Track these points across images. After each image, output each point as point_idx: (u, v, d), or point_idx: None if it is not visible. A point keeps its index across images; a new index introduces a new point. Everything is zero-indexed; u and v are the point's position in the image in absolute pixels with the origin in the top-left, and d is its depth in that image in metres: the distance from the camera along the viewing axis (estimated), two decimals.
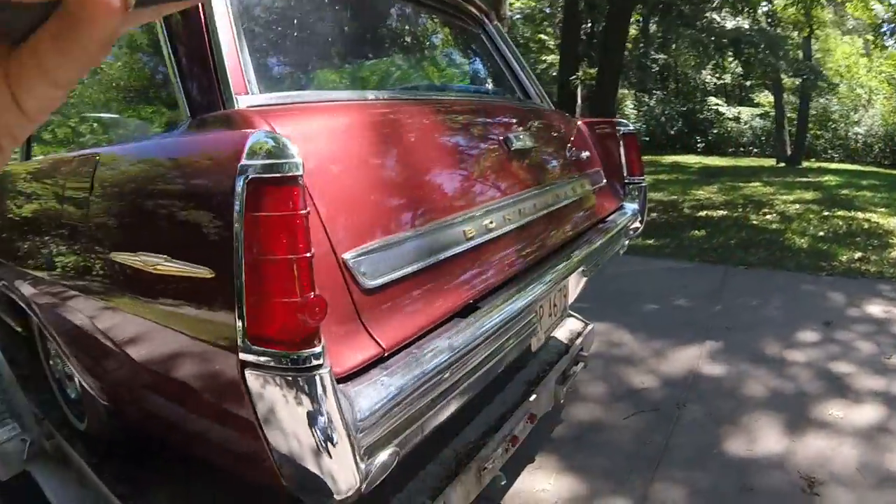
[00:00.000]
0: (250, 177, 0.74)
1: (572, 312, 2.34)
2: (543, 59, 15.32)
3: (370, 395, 0.86)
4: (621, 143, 2.15)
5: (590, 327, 2.31)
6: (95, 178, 1.12)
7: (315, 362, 0.74)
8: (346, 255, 0.93)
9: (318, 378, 0.75)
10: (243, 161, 0.74)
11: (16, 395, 1.75)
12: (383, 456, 0.87)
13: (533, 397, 1.79)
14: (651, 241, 5.24)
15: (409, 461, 1.37)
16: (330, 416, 0.76)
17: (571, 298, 1.69)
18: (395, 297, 1.02)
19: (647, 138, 16.20)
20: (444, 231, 1.16)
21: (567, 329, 2.27)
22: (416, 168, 1.20)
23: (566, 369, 2.04)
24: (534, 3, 15.61)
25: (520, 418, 1.71)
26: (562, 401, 2.04)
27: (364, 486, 0.83)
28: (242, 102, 1.03)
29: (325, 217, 0.92)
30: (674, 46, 12.60)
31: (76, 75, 0.21)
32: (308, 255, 0.75)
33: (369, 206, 1.04)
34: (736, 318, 3.32)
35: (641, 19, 12.65)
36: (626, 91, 16.01)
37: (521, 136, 1.61)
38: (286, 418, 0.75)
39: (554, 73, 12.20)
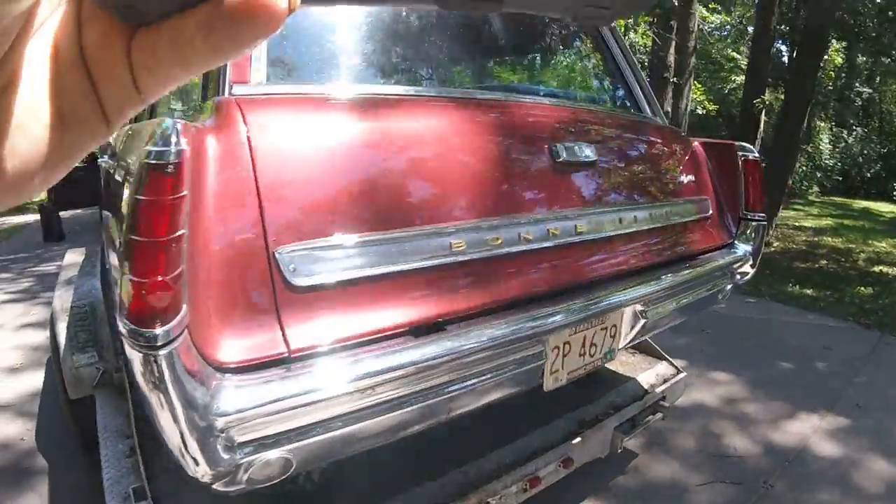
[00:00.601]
0: (141, 161, 0.77)
1: (666, 356, 2.16)
2: (733, 79, 14.13)
3: (251, 391, 0.83)
4: (742, 170, 1.87)
5: (680, 376, 2.08)
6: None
7: (158, 343, 0.75)
8: (279, 250, 0.91)
9: (157, 358, 0.76)
10: (148, 146, 0.77)
11: (103, 328, 1.94)
12: (265, 457, 0.86)
13: (577, 440, 1.63)
14: (808, 291, 4.74)
15: (410, 469, 1.45)
16: (169, 397, 0.77)
17: (626, 340, 1.47)
18: (327, 300, 0.96)
19: (840, 178, 14.23)
20: (413, 241, 1.07)
21: (653, 373, 2.07)
22: (395, 171, 1.11)
23: (636, 417, 1.84)
24: (727, 19, 14.42)
25: (550, 460, 1.56)
26: (619, 450, 1.79)
27: (231, 478, 0.84)
28: (237, 91, 1.04)
29: (267, 209, 0.91)
30: (878, 80, 10.91)
31: (214, 65, 0.20)
32: (166, 238, 0.76)
33: (324, 205, 0.99)
34: (873, 396, 2.83)
35: (847, 46, 11.12)
36: (822, 124, 14.18)
37: (577, 148, 1.39)
38: (143, 390, 0.79)
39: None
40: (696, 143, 1.93)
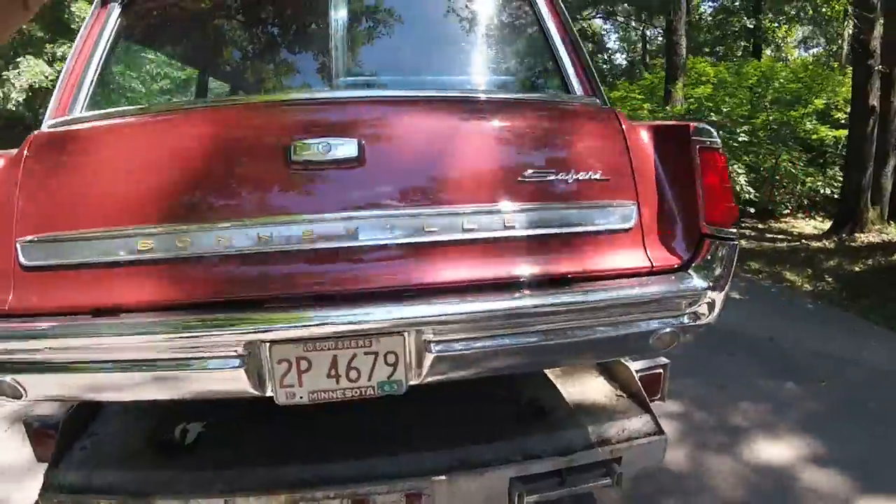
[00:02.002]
0: None
1: (650, 407, 1.70)
2: None
3: None
4: (698, 165, 1.38)
5: (655, 438, 1.63)
6: None
7: None
8: (19, 239, 1.26)
9: None
10: None
11: None
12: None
13: (441, 478, 1.42)
14: None
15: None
16: None
17: (423, 375, 1.29)
18: (45, 277, 1.28)
19: None
20: (110, 239, 1.26)
21: (622, 425, 1.64)
22: (122, 182, 1.31)
23: (562, 472, 1.51)
24: None
25: (393, 489, 1.41)
26: None
27: None
28: (47, 123, 1.46)
29: (23, 208, 1.27)
30: None
31: None
32: None
33: (58, 210, 1.29)
34: None
35: None
36: None
37: (321, 146, 1.25)
38: None
39: None
40: (634, 130, 1.46)
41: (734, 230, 1.41)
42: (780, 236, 6.59)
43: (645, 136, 1.46)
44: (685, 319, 1.39)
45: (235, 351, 1.22)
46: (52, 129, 1.45)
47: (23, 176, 1.30)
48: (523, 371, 1.41)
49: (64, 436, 1.58)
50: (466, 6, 1.85)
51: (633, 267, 1.37)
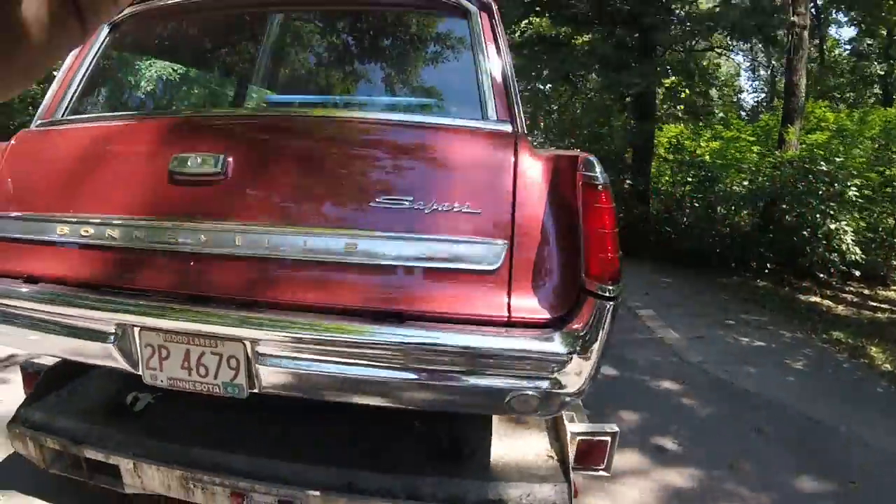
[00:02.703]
0: None
1: (569, 480, 1.56)
2: None
3: None
4: (581, 204, 1.24)
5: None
6: None
7: None
8: None
9: None
10: None
11: None
12: None
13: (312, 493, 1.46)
14: None
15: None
16: None
17: (264, 383, 1.35)
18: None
19: None
20: (36, 222, 1.54)
21: (522, 488, 1.53)
22: (66, 176, 1.55)
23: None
24: None
25: (266, 492, 1.51)
26: None
27: None
28: (35, 123, 1.71)
29: None
30: None
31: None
32: None
33: (23, 193, 1.57)
34: None
35: None
36: None
37: (193, 160, 1.36)
38: None
39: None
40: (533, 160, 1.31)
41: (614, 288, 1.22)
42: (883, 306, 5.73)
43: (542, 168, 1.31)
44: (544, 385, 1.23)
45: (111, 329, 1.43)
46: (36, 129, 1.71)
47: (4, 162, 1.62)
48: (367, 402, 1.34)
49: (44, 381, 1.92)
50: (393, 28, 1.90)
51: (485, 314, 1.25)
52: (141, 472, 1.62)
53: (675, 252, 7.90)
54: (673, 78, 11.49)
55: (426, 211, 1.27)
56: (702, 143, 9.26)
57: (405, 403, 1.32)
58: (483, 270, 1.26)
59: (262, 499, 1.52)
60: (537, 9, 9.92)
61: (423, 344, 1.21)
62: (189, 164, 1.36)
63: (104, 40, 1.78)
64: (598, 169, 1.23)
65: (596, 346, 1.21)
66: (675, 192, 9.01)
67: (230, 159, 1.35)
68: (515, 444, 1.79)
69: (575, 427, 1.65)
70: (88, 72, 1.75)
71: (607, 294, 1.21)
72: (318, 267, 1.31)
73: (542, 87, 13.02)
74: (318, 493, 1.48)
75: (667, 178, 9.47)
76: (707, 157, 8.66)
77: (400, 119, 1.55)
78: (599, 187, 1.22)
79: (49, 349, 1.70)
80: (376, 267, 1.28)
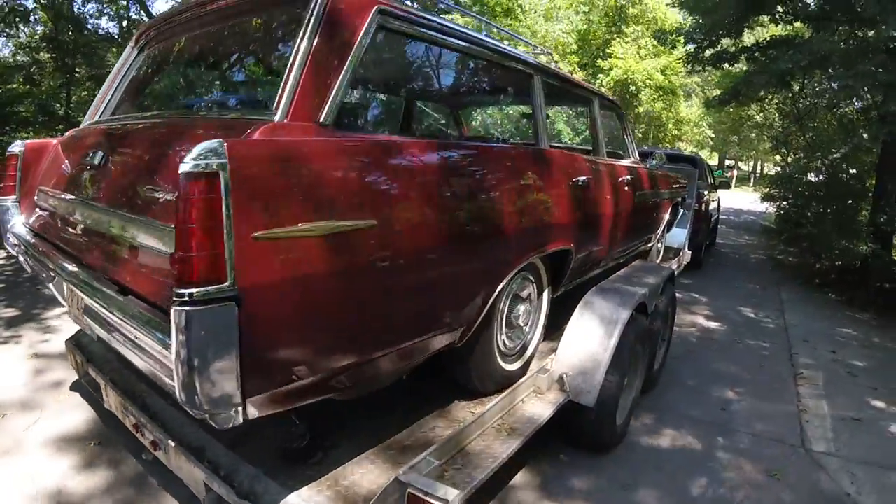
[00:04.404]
0: None
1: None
2: None
3: None
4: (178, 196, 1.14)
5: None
6: None
7: None
8: None
9: None
10: None
11: None
12: None
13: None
14: None
15: None
16: None
17: (98, 331, 1.65)
18: None
19: None
20: None
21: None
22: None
23: None
24: None
25: (150, 430, 1.85)
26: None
27: None
28: (84, 122, 2.33)
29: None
30: None
31: None
32: None
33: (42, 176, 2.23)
34: None
35: None
36: None
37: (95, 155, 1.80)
38: None
39: None
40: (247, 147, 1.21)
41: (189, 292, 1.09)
42: None
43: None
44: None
45: (52, 273, 1.88)
46: (81, 126, 2.33)
47: (54, 150, 2.29)
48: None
49: None
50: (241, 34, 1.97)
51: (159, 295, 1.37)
52: (108, 393, 2.13)
53: None
54: None
55: (147, 195, 1.49)
56: None
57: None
58: (162, 252, 1.34)
59: (148, 434, 1.84)
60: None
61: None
62: (91, 156, 1.83)
63: (132, 59, 2.29)
64: (219, 150, 1.11)
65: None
66: None
67: (107, 155, 1.78)
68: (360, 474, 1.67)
69: (408, 477, 1.55)
70: (115, 84, 2.29)
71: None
72: (105, 241, 1.65)
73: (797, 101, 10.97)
74: (173, 444, 1.73)
75: None
76: None
77: (186, 117, 1.95)
78: (195, 178, 1.10)
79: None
80: (133, 248, 1.50)
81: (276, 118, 1.35)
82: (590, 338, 2.45)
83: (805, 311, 6.30)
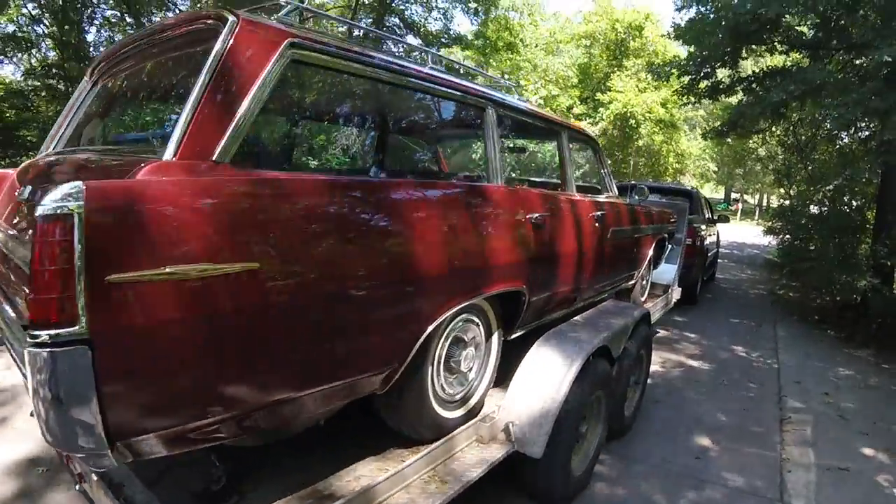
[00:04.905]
0: None
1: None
2: None
3: None
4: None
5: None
6: None
7: None
8: None
9: None
10: None
11: None
12: None
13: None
14: None
15: None
16: None
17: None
18: None
19: None
20: None
21: None
22: None
23: None
24: None
25: None
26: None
27: None
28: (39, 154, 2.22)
29: None
30: None
31: None
32: None
33: None
34: None
35: None
36: None
37: None
38: None
39: None
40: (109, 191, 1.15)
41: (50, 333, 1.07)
42: None
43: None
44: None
45: None
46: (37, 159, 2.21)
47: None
48: None
49: None
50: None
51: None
52: None
53: None
54: None
55: None
56: None
57: None
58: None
59: (75, 465, 1.70)
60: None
61: None
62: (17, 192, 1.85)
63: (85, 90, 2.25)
64: (51, 197, 1.07)
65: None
66: None
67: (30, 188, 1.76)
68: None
69: None
70: (68, 116, 2.24)
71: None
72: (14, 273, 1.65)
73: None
74: (95, 478, 1.63)
75: None
76: None
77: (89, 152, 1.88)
78: (51, 221, 1.07)
79: None
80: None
81: (166, 157, 1.30)
82: (539, 386, 2.32)
83: (801, 350, 6.09)
